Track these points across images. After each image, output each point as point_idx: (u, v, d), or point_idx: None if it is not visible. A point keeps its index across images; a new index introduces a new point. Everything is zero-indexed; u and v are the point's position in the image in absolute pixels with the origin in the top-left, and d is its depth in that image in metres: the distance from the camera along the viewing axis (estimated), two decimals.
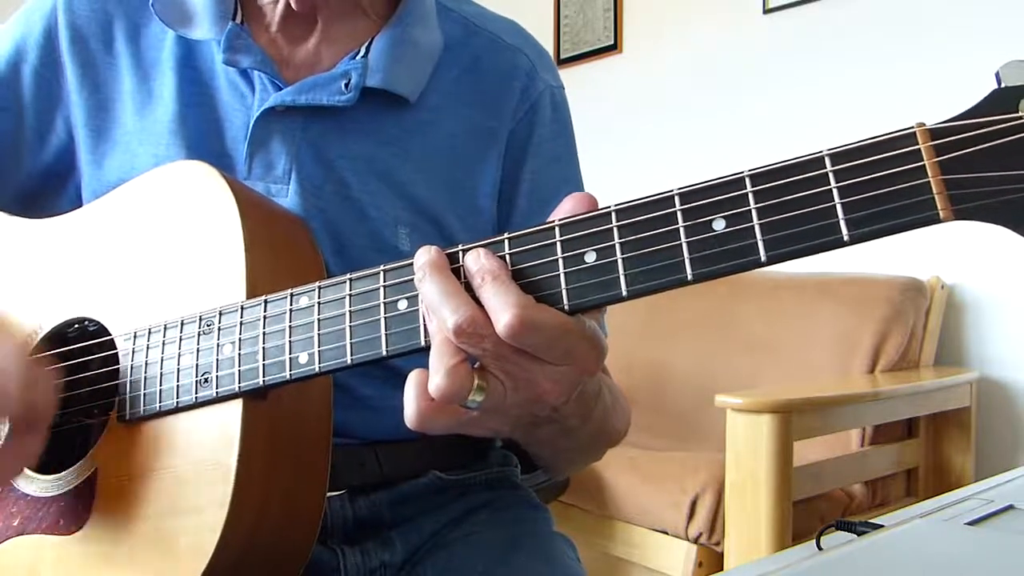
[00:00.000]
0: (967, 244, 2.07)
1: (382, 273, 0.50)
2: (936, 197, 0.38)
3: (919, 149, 0.39)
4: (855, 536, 0.54)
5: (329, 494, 0.68)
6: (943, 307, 2.13)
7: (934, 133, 0.39)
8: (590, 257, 0.44)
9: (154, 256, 0.62)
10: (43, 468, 0.63)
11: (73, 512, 0.60)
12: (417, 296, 0.48)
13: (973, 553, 0.49)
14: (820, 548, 0.54)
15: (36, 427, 0.57)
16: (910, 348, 2.04)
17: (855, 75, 2.33)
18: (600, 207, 0.45)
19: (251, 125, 0.69)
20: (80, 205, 0.72)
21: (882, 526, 0.55)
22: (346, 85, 0.70)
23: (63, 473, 0.62)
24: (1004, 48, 2.00)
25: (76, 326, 0.67)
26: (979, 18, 2.10)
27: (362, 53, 0.72)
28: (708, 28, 2.70)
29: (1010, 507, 0.59)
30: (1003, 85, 0.38)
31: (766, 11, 2.54)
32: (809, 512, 1.69)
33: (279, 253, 0.61)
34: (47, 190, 0.76)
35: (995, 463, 2.06)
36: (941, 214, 0.38)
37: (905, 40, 2.25)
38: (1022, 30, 2.00)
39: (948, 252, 2.13)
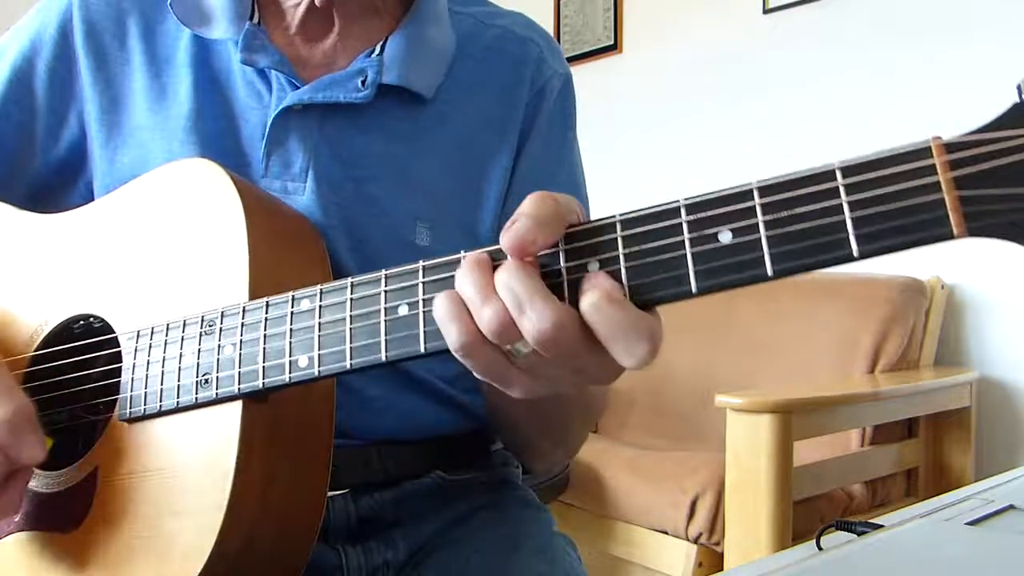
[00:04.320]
0: (967, 244, 2.07)
1: (384, 278, 0.50)
2: (950, 214, 0.37)
3: (934, 164, 0.37)
4: (855, 536, 0.54)
5: (332, 493, 0.68)
6: (943, 307, 2.13)
7: (950, 147, 0.37)
8: (593, 267, 0.44)
9: (159, 254, 0.63)
10: (45, 465, 0.63)
11: (73, 510, 0.60)
12: (418, 302, 0.48)
13: (973, 553, 0.49)
14: (820, 548, 0.54)
15: (16, 477, 0.58)
16: (910, 348, 2.04)
17: (855, 75, 2.33)
18: (605, 216, 0.45)
19: (269, 124, 0.70)
20: (92, 200, 0.72)
21: (882, 526, 0.55)
22: (362, 82, 0.70)
23: (64, 470, 0.62)
24: (1005, 47, 2.00)
25: (81, 323, 0.67)
26: (980, 17, 2.10)
27: (377, 51, 0.73)
28: (708, 28, 2.70)
29: (1010, 507, 0.59)
30: None
31: (766, 11, 2.54)
32: (809, 512, 1.69)
33: (284, 254, 0.61)
34: (60, 185, 0.77)
35: (995, 463, 2.06)
36: (955, 231, 0.37)
37: (905, 40, 2.25)
38: (1021, 29, 2.00)
39: (948, 252, 2.13)
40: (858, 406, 1.76)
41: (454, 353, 0.45)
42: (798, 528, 1.53)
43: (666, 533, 1.78)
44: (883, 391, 1.83)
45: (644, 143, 2.86)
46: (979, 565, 0.47)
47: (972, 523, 0.56)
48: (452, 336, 0.44)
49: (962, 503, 0.61)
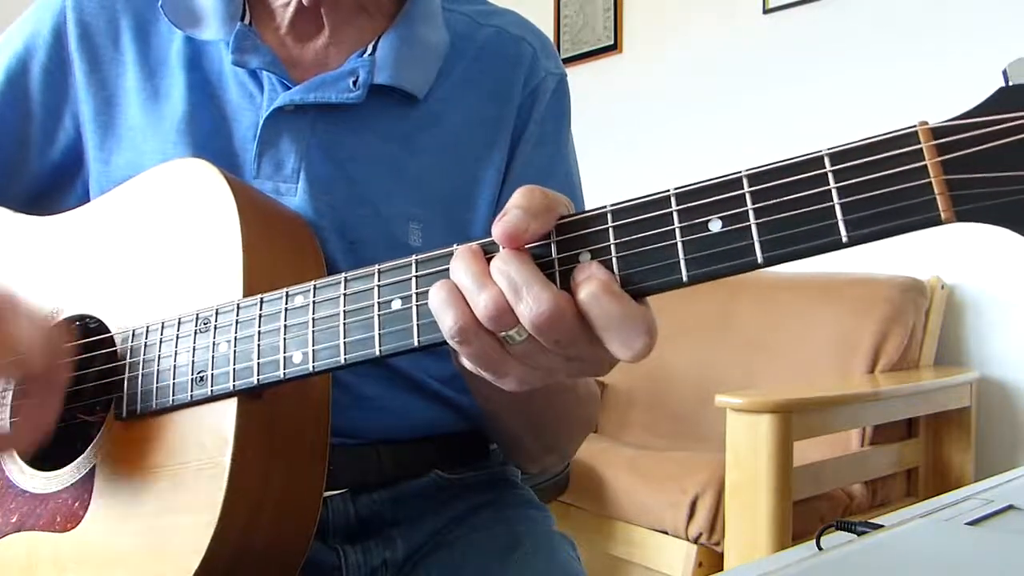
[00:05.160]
0: (967, 244, 2.07)
1: (377, 272, 0.50)
2: (938, 198, 0.37)
3: (921, 148, 0.38)
4: (855, 536, 0.54)
5: (330, 493, 0.68)
6: (943, 307, 2.13)
7: (936, 132, 0.38)
8: (585, 258, 0.44)
9: (154, 254, 0.63)
10: (42, 465, 0.63)
11: (70, 509, 0.60)
12: (411, 296, 0.48)
13: (973, 553, 0.49)
14: (820, 548, 0.54)
15: (53, 392, 0.58)
16: (910, 348, 2.04)
17: (855, 75, 2.33)
18: (596, 207, 0.45)
19: (260, 125, 0.70)
20: (87, 201, 0.72)
21: (882, 526, 0.55)
22: (354, 83, 0.70)
23: (61, 470, 0.62)
24: (1005, 47, 2.00)
25: (77, 323, 0.67)
26: (980, 17, 2.10)
27: (369, 51, 0.73)
28: (708, 28, 2.70)
29: (1010, 507, 0.59)
30: (1010, 83, 0.37)
31: (766, 11, 2.54)
32: (809, 512, 1.69)
33: (278, 252, 0.61)
34: (56, 186, 0.77)
35: (995, 463, 2.06)
36: (943, 215, 0.37)
37: (905, 40, 2.24)
38: (1021, 29, 2.00)
39: (948, 252, 2.13)
40: (858, 406, 1.76)
41: (449, 340, 0.45)
42: (798, 528, 1.53)
43: (666, 533, 1.78)
44: (883, 391, 1.83)
45: (644, 143, 2.86)
46: (979, 565, 0.47)
47: (972, 523, 0.55)
48: (447, 323, 0.44)
49: (962, 503, 0.61)
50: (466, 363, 0.46)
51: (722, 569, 1.67)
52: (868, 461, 1.91)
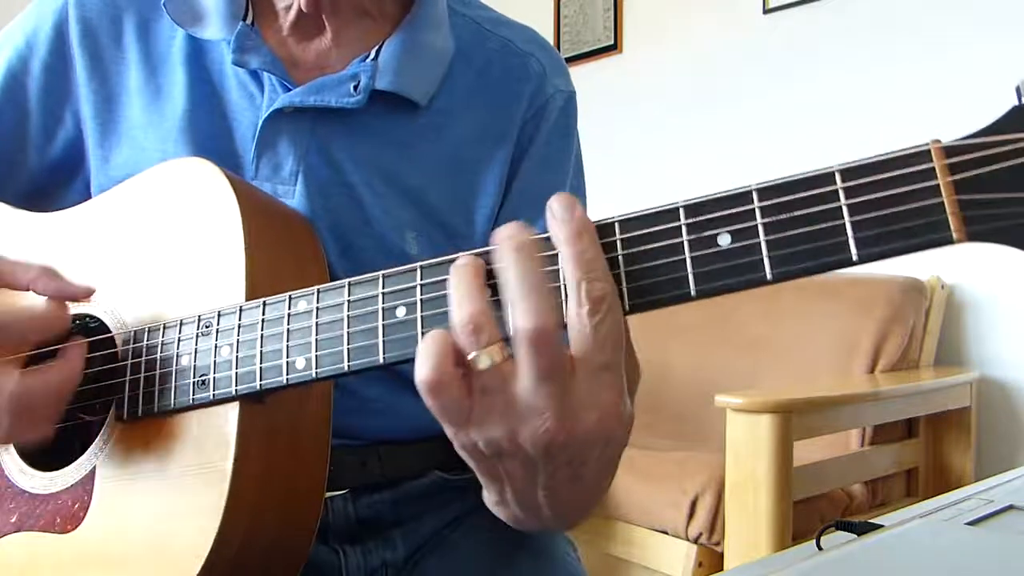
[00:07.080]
0: (967, 244, 2.07)
1: (381, 279, 0.50)
2: (950, 218, 0.37)
3: (933, 168, 0.37)
4: (855, 536, 0.54)
5: (331, 494, 0.68)
6: (943, 307, 2.13)
7: (949, 151, 0.37)
8: None
9: (155, 253, 0.62)
10: (42, 465, 0.63)
11: (70, 511, 0.60)
12: (415, 304, 0.48)
13: (973, 553, 0.49)
14: (820, 548, 0.54)
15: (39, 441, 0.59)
16: (910, 348, 2.04)
17: (855, 75, 2.33)
18: (603, 218, 0.45)
19: (259, 126, 0.69)
20: (88, 199, 0.72)
21: (882, 526, 0.55)
22: (355, 87, 0.69)
23: (62, 471, 0.62)
24: (1006, 46, 2.00)
25: (77, 323, 0.67)
26: (980, 17, 2.10)
27: (372, 56, 0.72)
28: (708, 28, 2.70)
29: (1010, 507, 0.59)
30: None
31: (766, 11, 2.54)
32: (809, 512, 1.69)
33: (281, 253, 0.61)
34: (55, 184, 0.76)
35: (995, 463, 2.06)
36: (954, 236, 0.37)
37: (905, 40, 2.25)
38: (1021, 28, 2.00)
39: (948, 252, 2.11)
40: (858, 406, 1.76)
41: (419, 387, 0.42)
42: (798, 528, 1.53)
43: (666, 533, 1.78)
44: (883, 391, 1.83)
45: (644, 143, 2.86)
46: (979, 565, 0.47)
47: (972, 523, 0.55)
48: (420, 374, 0.42)
49: (962, 503, 0.61)
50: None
51: (722, 569, 1.67)
52: (868, 461, 1.91)
